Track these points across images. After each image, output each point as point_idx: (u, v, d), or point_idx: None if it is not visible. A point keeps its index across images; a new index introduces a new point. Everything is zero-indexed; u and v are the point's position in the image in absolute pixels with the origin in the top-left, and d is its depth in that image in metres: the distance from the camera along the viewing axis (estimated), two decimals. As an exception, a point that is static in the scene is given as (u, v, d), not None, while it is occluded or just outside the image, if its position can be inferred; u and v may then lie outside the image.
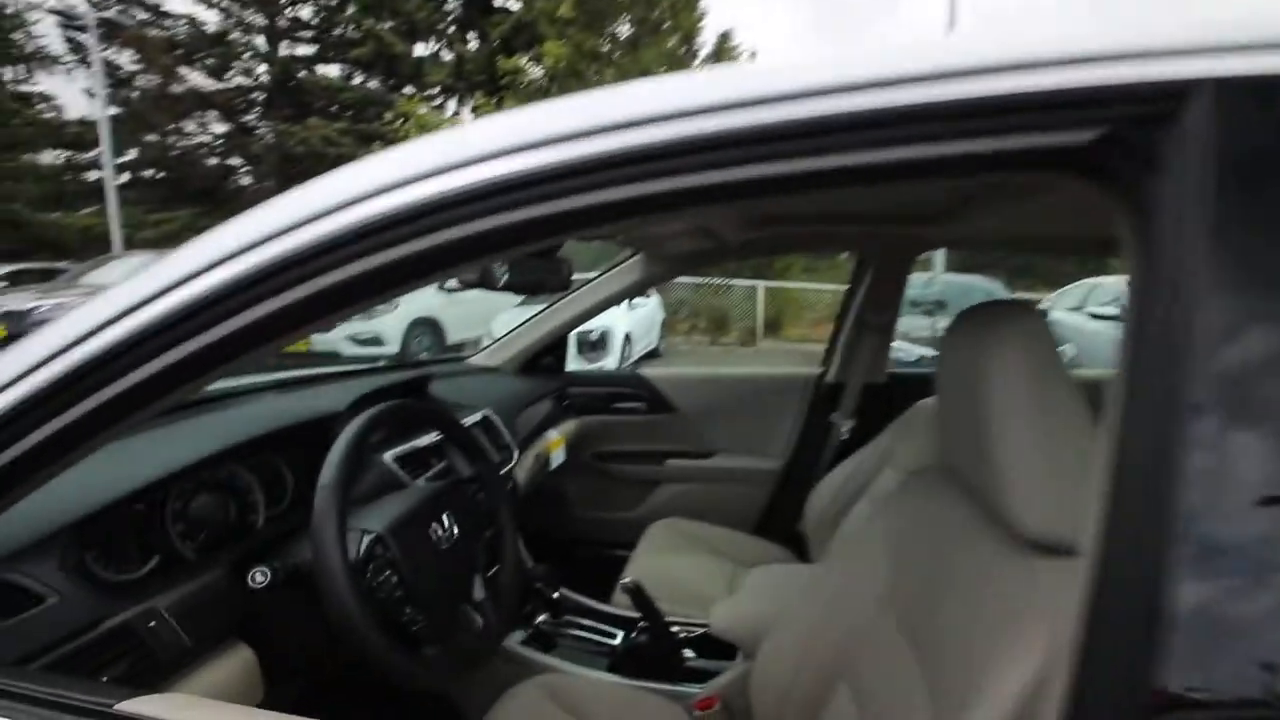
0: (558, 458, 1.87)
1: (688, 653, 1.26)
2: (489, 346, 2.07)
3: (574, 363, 2.30)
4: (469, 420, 1.43)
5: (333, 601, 0.72)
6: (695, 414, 2.07)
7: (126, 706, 0.47)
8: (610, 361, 6.03)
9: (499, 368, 2.03)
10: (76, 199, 15.26)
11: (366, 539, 0.82)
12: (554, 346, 2.10)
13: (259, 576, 0.73)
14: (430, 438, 1.28)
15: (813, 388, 1.99)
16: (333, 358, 5.47)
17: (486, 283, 0.94)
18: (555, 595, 1.35)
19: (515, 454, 1.51)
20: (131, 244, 11.92)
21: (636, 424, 2.10)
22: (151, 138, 14.68)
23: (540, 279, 1.12)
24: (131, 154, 14.66)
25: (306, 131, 14.19)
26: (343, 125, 14.46)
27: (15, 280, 8.63)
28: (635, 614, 1.24)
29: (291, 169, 13.71)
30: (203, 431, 1.00)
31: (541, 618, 1.38)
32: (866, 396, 1.89)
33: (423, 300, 6.73)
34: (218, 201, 14.51)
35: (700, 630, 1.30)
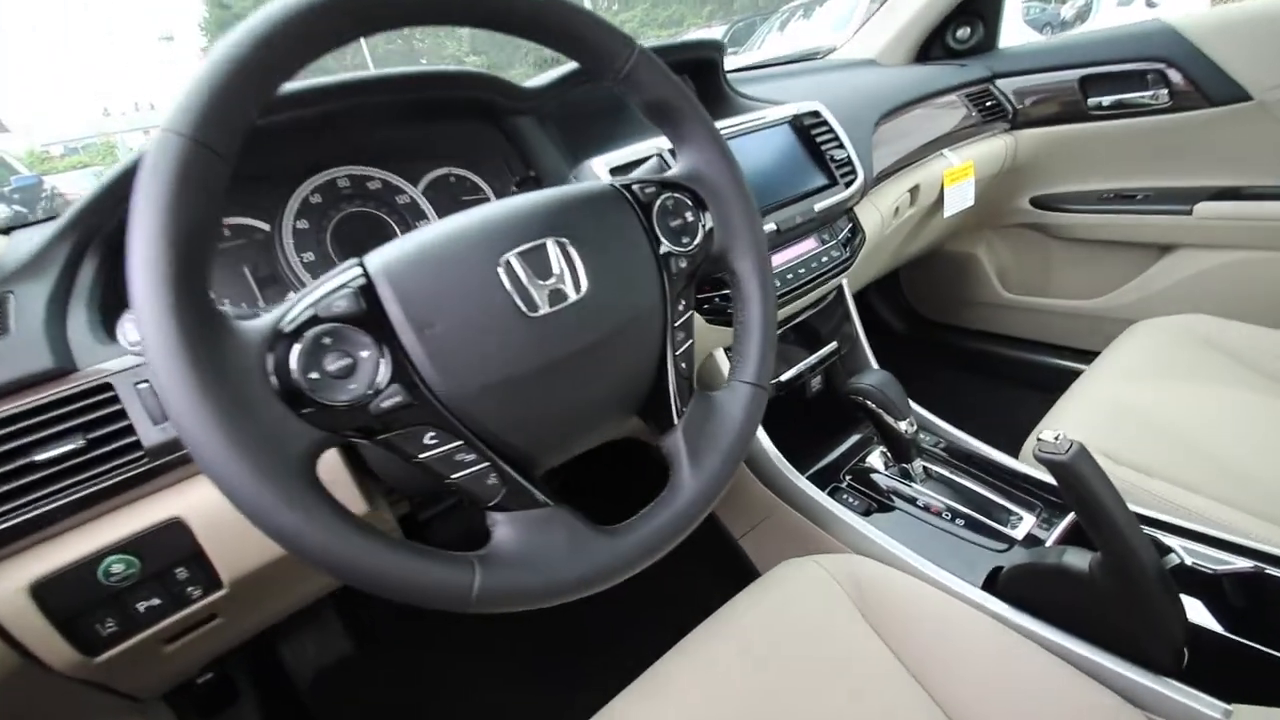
0: (959, 198, 1.10)
1: (1196, 608, 0.55)
2: (863, 25, 1.30)
3: (1020, 36, 1.33)
4: (758, 116, 0.81)
5: (178, 419, 0.28)
6: None
7: None
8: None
9: (875, 59, 1.27)
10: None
11: (341, 280, 0.33)
12: (980, 9, 1.21)
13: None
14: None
15: None
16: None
17: None
18: (904, 424, 0.74)
19: (859, 177, 0.85)
20: None
21: (1140, 132, 1.11)
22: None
23: None
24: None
25: None
26: None
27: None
28: (1053, 482, 0.55)
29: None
30: None
31: (874, 455, 0.82)
32: None
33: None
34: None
35: (1239, 566, 0.56)
